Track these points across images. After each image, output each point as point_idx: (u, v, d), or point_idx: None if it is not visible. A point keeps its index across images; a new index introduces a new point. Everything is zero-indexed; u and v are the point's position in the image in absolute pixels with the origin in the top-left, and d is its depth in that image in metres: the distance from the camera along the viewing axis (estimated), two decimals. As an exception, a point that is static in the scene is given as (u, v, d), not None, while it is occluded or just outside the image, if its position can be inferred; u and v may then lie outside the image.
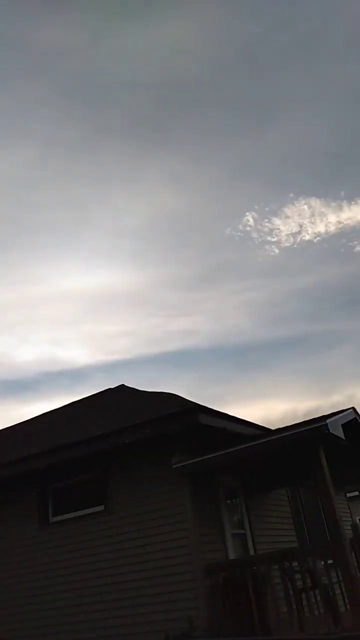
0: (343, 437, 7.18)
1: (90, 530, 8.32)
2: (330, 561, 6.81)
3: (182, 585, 7.11)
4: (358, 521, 16.18)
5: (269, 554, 7.29)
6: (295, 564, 7.05)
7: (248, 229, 28.70)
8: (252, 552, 8.55)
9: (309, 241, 31.26)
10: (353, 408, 8.10)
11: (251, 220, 27.85)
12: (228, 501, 8.64)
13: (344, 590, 6.52)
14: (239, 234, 28.58)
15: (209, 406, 7.64)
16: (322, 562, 6.86)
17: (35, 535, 9.00)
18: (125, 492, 8.12)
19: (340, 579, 6.53)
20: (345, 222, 31.14)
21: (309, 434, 6.81)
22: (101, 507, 8.36)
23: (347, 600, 6.42)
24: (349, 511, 13.87)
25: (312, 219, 30.21)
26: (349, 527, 10.08)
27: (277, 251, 31.11)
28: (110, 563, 7.90)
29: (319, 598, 7.05)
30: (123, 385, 12.35)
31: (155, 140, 24.35)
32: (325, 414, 7.08)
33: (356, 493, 14.68)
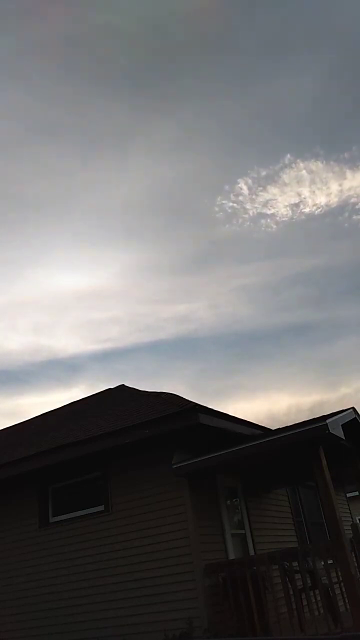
0: (343, 437, 7.18)
1: (90, 530, 8.32)
2: (330, 561, 6.81)
3: (182, 585, 7.11)
4: (358, 521, 16.20)
5: (269, 554, 7.28)
6: (295, 564, 7.05)
7: (241, 198, 25.80)
8: (252, 552, 8.55)
9: (309, 214, 28.14)
10: (353, 408, 8.10)
11: (244, 188, 25.04)
12: (228, 501, 8.64)
13: (344, 590, 6.52)
14: (231, 204, 25.76)
15: (209, 403, 7.66)
16: (322, 562, 6.86)
17: (35, 535, 9.00)
18: (125, 492, 8.12)
19: (340, 579, 6.54)
20: (347, 193, 28.17)
21: (309, 434, 6.81)
22: (101, 507, 8.37)
23: (347, 600, 6.42)
24: (349, 511, 13.87)
25: (312, 188, 27.22)
26: (349, 527, 10.11)
27: (274, 227, 28.19)
28: (110, 563, 7.90)
29: (319, 598, 7.06)
30: (123, 385, 12.38)
31: (146, 105, 22.43)
32: (325, 413, 7.08)
33: (356, 493, 14.68)
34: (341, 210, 29.60)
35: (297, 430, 6.94)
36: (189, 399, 8.24)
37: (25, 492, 9.41)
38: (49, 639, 8.16)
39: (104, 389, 13.06)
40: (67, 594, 8.24)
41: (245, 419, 8.51)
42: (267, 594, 6.97)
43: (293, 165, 25.87)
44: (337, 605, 6.71)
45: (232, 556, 7.91)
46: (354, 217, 30.70)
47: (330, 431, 6.69)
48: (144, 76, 21.55)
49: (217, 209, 26.39)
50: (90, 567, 8.12)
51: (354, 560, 6.99)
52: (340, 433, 7.05)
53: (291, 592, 7.00)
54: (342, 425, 7.24)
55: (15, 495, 9.52)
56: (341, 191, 28.03)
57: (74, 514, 8.69)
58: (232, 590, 6.97)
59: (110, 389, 12.81)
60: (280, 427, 7.68)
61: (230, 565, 7.27)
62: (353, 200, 29.40)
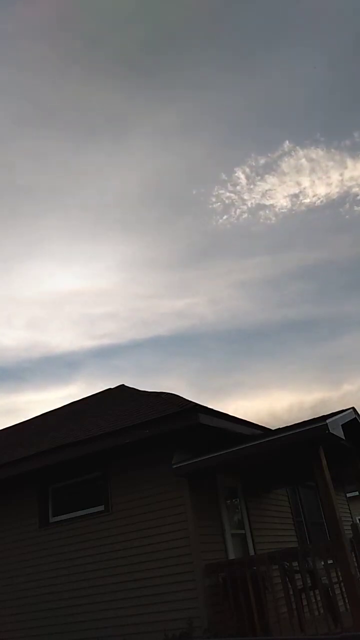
0: (343, 437, 7.19)
1: (90, 530, 8.32)
2: (330, 561, 6.81)
3: (182, 585, 7.11)
4: (358, 521, 16.20)
5: (269, 554, 7.28)
6: (295, 564, 7.05)
7: (239, 188, 24.89)
8: (252, 552, 8.55)
9: (310, 205, 27.20)
10: (353, 408, 8.11)
11: (242, 177, 24.18)
12: (228, 501, 8.64)
13: (344, 590, 6.52)
14: (228, 194, 24.90)
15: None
16: (322, 562, 6.86)
17: (35, 535, 9.00)
18: (125, 492, 8.12)
19: (340, 579, 6.54)
20: (348, 183, 27.18)
21: (309, 434, 6.81)
22: (101, 507, 8.37)
23: (347, 600, 6.42)
24: (349, 511, 13.87)
25: (312, 177, 26.32)
26: (349, 527, 10.11)
27: (273, 219, 27.30)
28: (110, 563, 7.90)
29: (319, 598, 7.06)
30: (123, 385, 12.38)
31: (143, 93, 21.90)
32: (326, 413, 7.09)
33: (356, 493, 14.68)
34: (342, 202, 28.74)
35: (297, 430, 6.94)
36: (189, 399, 8.25)
37: (25, 492, 9.41)
38: (49, 639, 8.17)
39: (104, 389, 13.07)
40: (67, 594, 8.24)
41: (246, 418, 8.53)
42: (267, 594, 6.97)
43: (292, 153, 24.89)
44: (337, 605, 6.71)
45: (232, 556, 7.91)
46: (356, 208, 29.74)
47: (330, 431, 6.69)
48: (140, 63, 21.06)
49: (214, 199, 25.67)
50: (90, 567, 8.12)
51: (354, 560, 6.98)
52: (340, 433, 7.05)
53: (291, 592, 6.99)
54: (342, 425, 7.24)
55: (15, 495, 9.52)
56: (342, 181, 27.12)
57: (74, 514, 8.69)
58: (232, 590, 6.97)
59: (110, 388, 12.82)
60: (281, 427, 7.69)
61: (230, 565, 7.26)
62: (354, 190, 28.42)
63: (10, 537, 9.35)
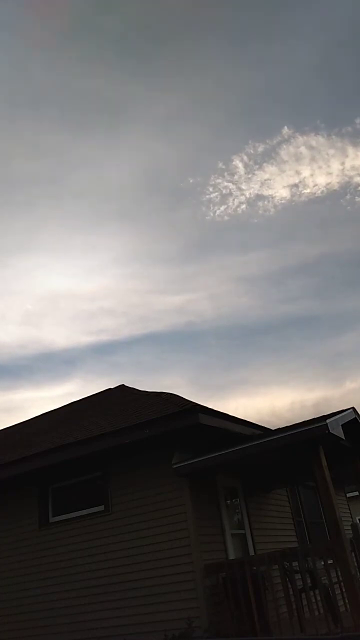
0: (343, 437, 7.19)
1: (90, 530, 8.32)
2: (330, 561, 6.81)
3: (182, 585, 7.11)
4: (358, 521, 16.19)
5: (269, 554, 7.28)
6: (295, 564, 7.05)
7: (236, 177, 24.08)
8: (252, 552, 8.55)
9: (310, 195, 26.21)
10: (353, 408, 8.11)
11: (240, 166, 23.37)
12: (228, 501, 8.64)
13: (344, 590, 6.52)
14: (226, 184, 24.15)
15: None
16: (322, 562, 6.86)
17: (35, 535, 9.00)
18: (125, 492, 8.12)
19: (340, 579, 6.53)
20: (349, 173, 26.33)
21: (309, 434, 6.81)
22: (101, 507, 8.37)
23: (347, 600, 6.42)
24: (349, 511, 13.87)
25: (312, 166, 25.35)
26: (349, 527, 10.11)
27: (272, 210, 26.32)
28: (109, 563, 7.90)
29: (319, 598, 7.06)
30: (123, 385, 12.39)
31: (139, 79, 21.20)
32: (326, 413, 7.10)
33: (356, 493, 14.68)
34: (343, 192, 27.75)
35: (297, 430, 6.94)
36: (189, 398, 8.26)
37: (25, 492, 9.41)
38: (48, 639, 8.16)
39: (104, 389, 13.08)
40: (67, 594, 8.23)
41: (246, 417, 8.55)
42: (267, 594, 6.97)
43: (291, 140, 23.93)
44: (337, 605, 6.71)
45: (232, 556, 7.91)
46: (357, 199, 28.61)
47: (330, 431, 6.69)
48: (137, 50, 20.50)
49: (211, 189, 24.86)
50: (90, 567, 8.12)
51: (354, 560, 6.99)
52: (340, 433, 7.05)
53: (291, 592, 6.99)
54: (342, 425, 7.25)
55: (15, 495, 9.51)
56: (343, 170, 26.14)
57: (74, 514, 8.69)
58: (232, 590, 6.97)
59: (110, 388, 12.82)
60: (281, 426, 7.69)
61: (230, 565, 7.26)
62: (356, 180, 27.37)
63: (10, 537, 9.35)
